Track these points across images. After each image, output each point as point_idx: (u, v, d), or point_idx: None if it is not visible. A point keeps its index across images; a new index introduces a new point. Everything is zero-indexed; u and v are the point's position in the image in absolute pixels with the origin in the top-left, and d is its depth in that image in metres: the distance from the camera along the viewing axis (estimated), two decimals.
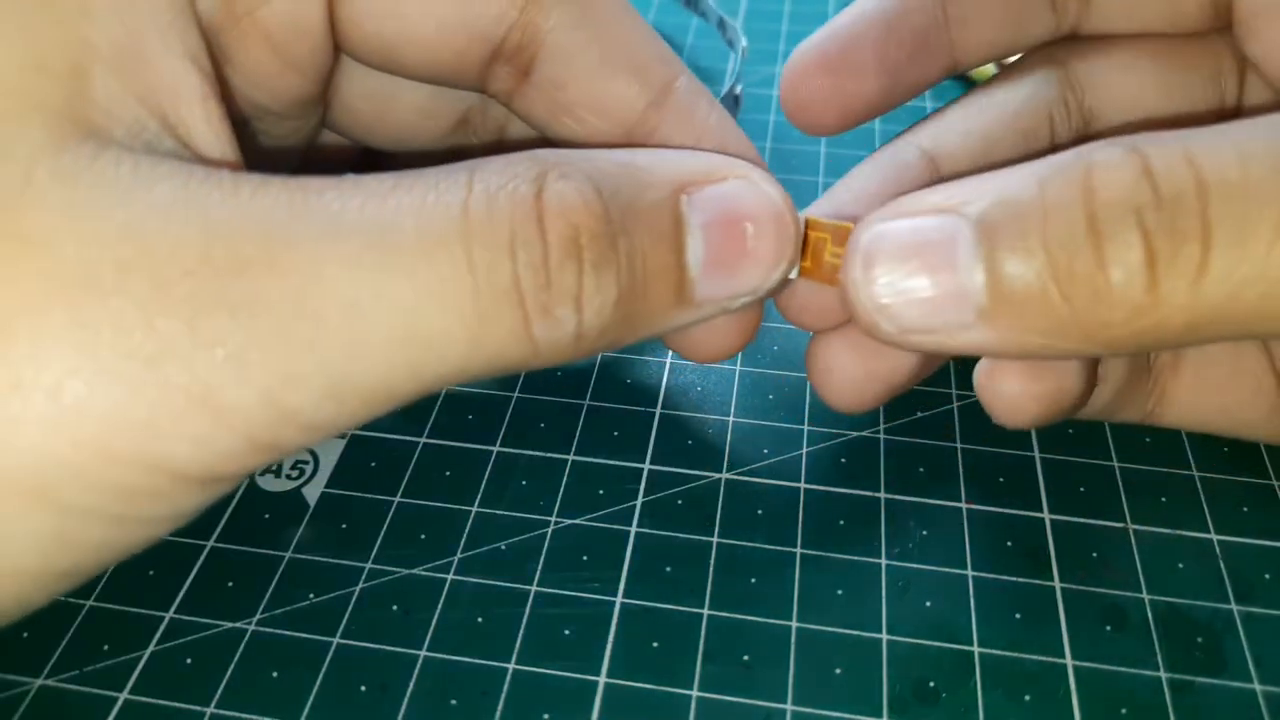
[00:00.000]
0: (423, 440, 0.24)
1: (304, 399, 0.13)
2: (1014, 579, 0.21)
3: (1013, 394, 0.19)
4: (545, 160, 0.15)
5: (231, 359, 0.13)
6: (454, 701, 0.19)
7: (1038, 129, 0.21)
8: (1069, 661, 0.19)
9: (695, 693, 0.19)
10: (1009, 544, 0.21)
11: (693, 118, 0.19)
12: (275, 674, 0.19)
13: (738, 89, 0.29)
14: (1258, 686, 0.19)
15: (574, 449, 0.23)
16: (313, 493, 0.22)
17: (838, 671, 0.19)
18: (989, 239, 0.15)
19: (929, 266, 0.16)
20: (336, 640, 0.20)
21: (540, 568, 0.21)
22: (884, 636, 0.20)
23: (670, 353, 0.26)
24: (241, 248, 0.13)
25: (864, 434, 0.24)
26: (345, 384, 0.14)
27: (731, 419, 0.24)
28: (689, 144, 0.19)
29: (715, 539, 0.21)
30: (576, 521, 0.22)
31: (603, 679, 0.19)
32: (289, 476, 0.23)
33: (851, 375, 0.20)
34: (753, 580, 0.21)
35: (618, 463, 0.23)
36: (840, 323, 0.20)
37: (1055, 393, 0.19)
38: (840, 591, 0.21)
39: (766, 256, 0.17)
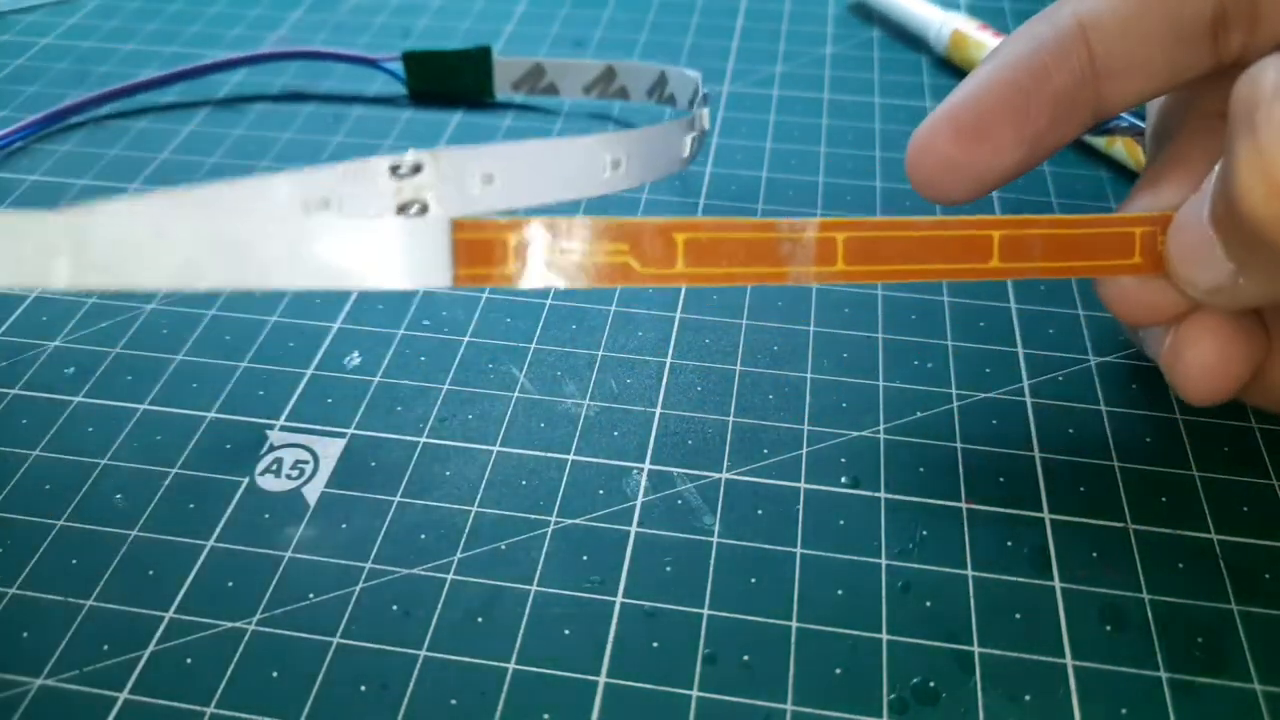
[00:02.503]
0: (423, 440, 0.24)
1: None
2: (1014, 579, 0.21)
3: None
4: None
5: None
6: (454, 701, 0.19)
7: None
8: (1069, 661, 0.19)
9: (695, 693, 0.19)
10: (1009, 544, 0.21)
11: None
12: (275, 674, 0.19)
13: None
14: (1258, 686, 0.19)
15: (574, 449, 0.23)
16: (313, 493, 0.22)
17: (838, 671, 0.19)
18: (1213, 195, 0.16)
19: (1197, 227, 0.16)
20: (336, 640, 0.20)
21: (540, 568, 0.21)
22: (884, 636, 0.20)
23: (670, 352, 0.26)
24: None
25: (864, 434, 0.24)
26: None
27: (731, 419, 0.24)
28: None
29: (715, 539, 0.21)
30: (576, 521, 0.22)
31: (603, 679, 0.19)
32: (289, 476, 0.23)
33: (1221, 361, 0.19)
34: (753, 580, 0.21)
35: (618, 463, 0.23)
36: (1180, 315, 0.19)
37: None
38: (840, 591, 0.21)
39: None
